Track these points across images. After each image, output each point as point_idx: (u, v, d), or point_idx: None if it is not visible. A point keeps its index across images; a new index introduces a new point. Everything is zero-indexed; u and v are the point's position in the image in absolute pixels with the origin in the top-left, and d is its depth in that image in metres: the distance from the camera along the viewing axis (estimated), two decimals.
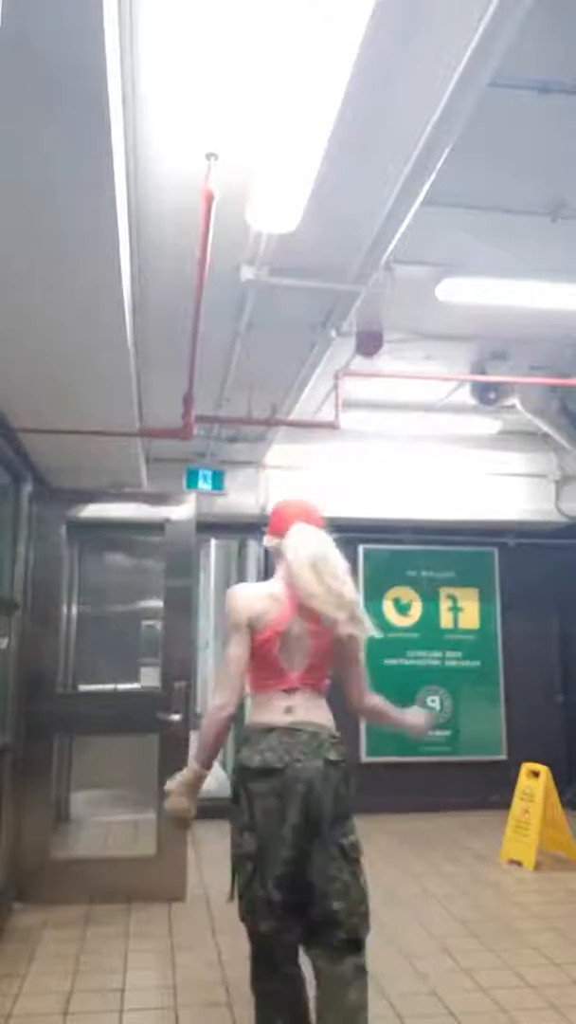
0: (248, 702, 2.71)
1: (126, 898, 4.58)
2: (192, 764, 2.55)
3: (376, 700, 2.81)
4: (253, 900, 2.42)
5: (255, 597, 2.65)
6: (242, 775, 2.49)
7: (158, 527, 5.20)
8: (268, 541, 2.83)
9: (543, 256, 3.75)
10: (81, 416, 4.22)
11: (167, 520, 5.15)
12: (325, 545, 2.72)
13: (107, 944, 4.05)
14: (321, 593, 2.54)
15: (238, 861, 2.48)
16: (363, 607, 2.67)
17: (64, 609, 5.63)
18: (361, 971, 2.39)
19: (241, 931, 2.50)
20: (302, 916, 2.41)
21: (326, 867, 2.39)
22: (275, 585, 2.68)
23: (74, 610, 6.37)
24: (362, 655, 2.73)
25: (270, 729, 2.51)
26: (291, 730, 2.50)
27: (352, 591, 2.63)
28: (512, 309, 4.21)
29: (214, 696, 2.56)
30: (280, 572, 2.70)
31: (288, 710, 2.55)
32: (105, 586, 7.08)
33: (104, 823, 6.26)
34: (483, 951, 4.01)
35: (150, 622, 6.53)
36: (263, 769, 2.44)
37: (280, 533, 2.75)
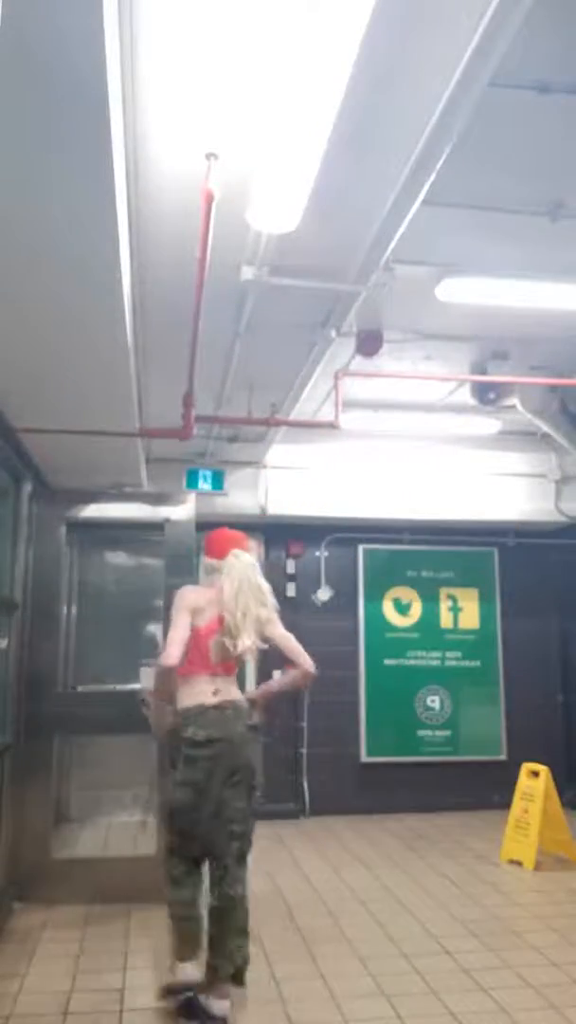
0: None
1: (126, 898, 4.57)
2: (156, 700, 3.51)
3: (291, 669, 3.58)
4: (182, 834, 3.32)
5: (200, 596, 3.50)
6: (186, 745, 3.29)
7: (158, 527, 5.20)
8: (206, 561, 3.65)
9: (543, 256, 3.75)
10: (81, 416, 4.22)
11: (167, 520, 5.15)
12: (251, 572, 3.53)
13: (107, 944, 4.06)
14: (236, 617, 3.39)
15: (173, 811, 3.33)
16: (263, 618, 3.47)
17: (64, 609, 5.63)
18: (243, 879, 3.32)
19: None
20: (210, 840, 3.30)
21: (236, 801, 3.29)
22: (215, 593, 3.49)
23: (74, 610, 6.36)
24: (284, 640, 3.53)
25: (204, 709, 3.33)
26: (220, 707, 3.35)
27: (264, 608, 3.48)
28: (512, 309, 4.21)
29: (165, 655, 3.30)
30: (216, 585, 3.51)
31: (215, 692, 3.38)
32: (105, 586, 7.08)
33: (104, 823, 6.26)
34: (483, 951, 4.01)
35: (150, 622, 6.52)
36: (207, 740, 3.28)
37: (220, 556, 3.57)
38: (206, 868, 3.41)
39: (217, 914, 3.28)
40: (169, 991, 3.33)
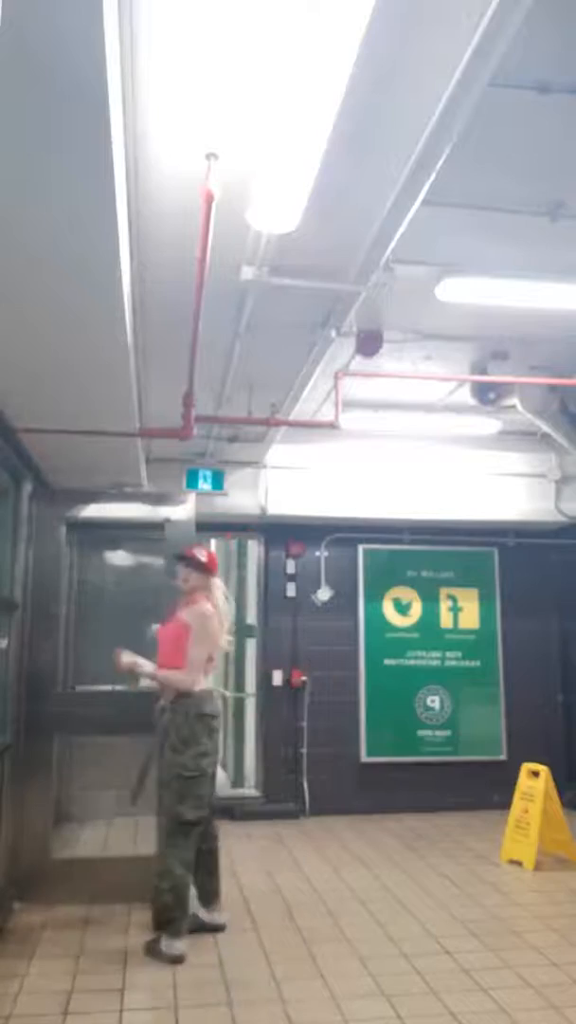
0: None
1: (126, 898, 4.57)
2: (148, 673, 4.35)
3: None
4: (200, 799, 4.02)
5: (216, 617, 4.26)
6: (206, 720, 4.10)
7: (158, 527, 5.20)
8: (206, 578, 4.33)
9: (543, 256, 3.75)
10: (81, 416, 4.22)
11: (167, 520, 5.14)
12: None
13: (107, 944, 4.06)
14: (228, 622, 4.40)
15: (201, 780, 4.02)
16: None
17: (64, 609, 5.62)
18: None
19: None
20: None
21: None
22: (213, 608, 4.28)
23: (74, 610, 6.36)
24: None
25: (209, 692, 4.24)
26: (212, 691, 4.30)
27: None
28: (512, 309, 4.21)
29: (194, 677, 4.12)
30: (211, 597, 4.31)
31: (209, 682, 4.27)
32: (105, 586, 7.07)
33: (104, 823, 6.26)
34: (483, 951, 4.01)
35: (150, 622, 6.52)
36: (214, 714, 4.18)
37: (215, 574, 4.42)
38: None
39: (210, 852, 4.24)
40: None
